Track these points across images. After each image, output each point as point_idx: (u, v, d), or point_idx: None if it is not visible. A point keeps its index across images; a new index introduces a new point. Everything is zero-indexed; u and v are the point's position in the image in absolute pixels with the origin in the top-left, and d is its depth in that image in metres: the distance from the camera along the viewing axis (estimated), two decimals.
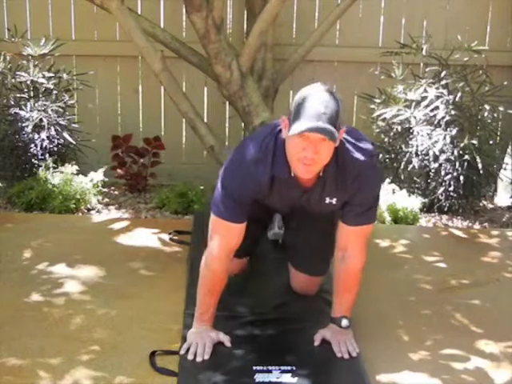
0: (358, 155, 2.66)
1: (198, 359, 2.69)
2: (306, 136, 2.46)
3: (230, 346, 2.76)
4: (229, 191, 2.69)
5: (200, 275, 2.81)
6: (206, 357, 2.70)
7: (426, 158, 4.48)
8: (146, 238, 3.94)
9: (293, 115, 2.50)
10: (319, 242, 3.14)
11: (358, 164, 2.66)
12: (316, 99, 2.48)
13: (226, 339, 2.79)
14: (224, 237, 2.74)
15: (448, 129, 4.47)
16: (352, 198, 2.71)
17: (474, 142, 4.42)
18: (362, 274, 2.83)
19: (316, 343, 2.82)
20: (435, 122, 4.49)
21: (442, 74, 4.56)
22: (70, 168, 4.47)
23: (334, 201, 2.74)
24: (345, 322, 2.79)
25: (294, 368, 2.62)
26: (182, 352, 2.74)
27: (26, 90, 4.63)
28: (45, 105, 4.57)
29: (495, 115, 4.63)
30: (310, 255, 3.16)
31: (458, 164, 4.43)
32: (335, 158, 2.62)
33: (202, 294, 2.81)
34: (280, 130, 2.66)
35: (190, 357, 2.70)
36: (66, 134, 4.58)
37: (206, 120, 4.58)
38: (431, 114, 4.49)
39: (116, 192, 4.79)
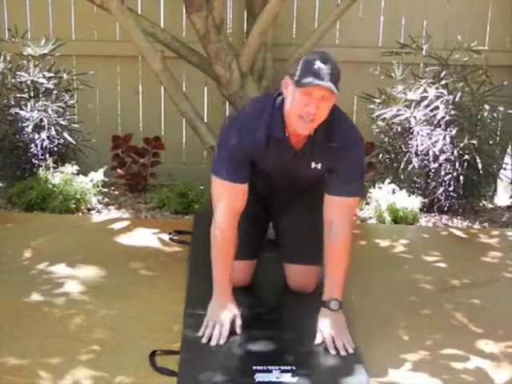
0: (349, 128, 2.88)
1: (213, 343, 2.74)
2: (309, 92, 2.62)
3: (239, 332, 2.81)
4: (227, 151, 2.82)
5: (211, 245, 2.87)
6: (222, 341, 2.75)
7: (426, 157, 4.48)
8: (146, 237, 3.95)
9: (298, 72, 2.66)
10: (307, 230, 3.14)
11: (347, 134, 2.85)
12: (321, 59, 2.64)
13: (238, 325, 2.83)
14: (227, 198, 2.83)
15: (448, 129, 4.47)
16: (337, 165, 2.82)
17: (474, 141, 4.42)
18: (349, 252, 2.88)
19: (317, 341, 2.81)
20: (435, 122, 4.49)
21: (442, 74, 4.56)
22: (70, 168, 4.47)
23: (319, 166, 2.86)
24: (333, 304, 2.82)
25: (294, 368, 2.62)
26: (200, 333, 2.80)
27: (26, 90, 4.63)
28: (45, 105, 4.58)
29: (495, 115, 4.63)
30: (299, 244, 3.17)
31: (457, 164, 4.43)
32: (327, 123, 2.76)
33: (215, 264, 2.87)
34: (277, 95, 2.82)
35: (204, 340, 2.75)
36: (66, 134, 4.59)
37: (206, 120, 4.58)
38: (431, 114, 4.49)
39: (116, 192, 4.79)
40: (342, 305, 2.84)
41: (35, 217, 4.26)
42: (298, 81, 2.65)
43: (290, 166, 2.91)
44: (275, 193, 3.17)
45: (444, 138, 4.44)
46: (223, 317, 2.83)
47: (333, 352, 2.74)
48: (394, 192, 4.43)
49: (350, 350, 2.74)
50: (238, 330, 2.83)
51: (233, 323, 2.84)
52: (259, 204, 3.17)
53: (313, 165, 2.87)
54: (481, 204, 4.78)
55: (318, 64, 2.62)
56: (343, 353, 2.73)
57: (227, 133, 2.88)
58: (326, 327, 2.81)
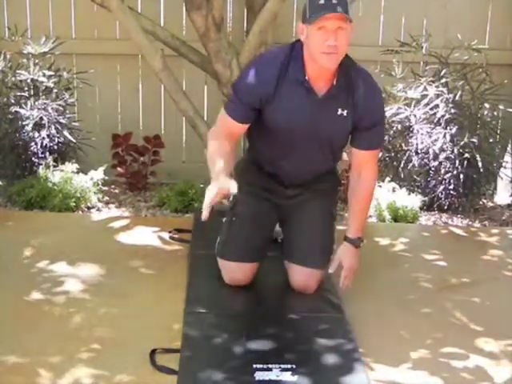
0: (367, 74, 3.01)
1: (203, 218, 2.66)
2: (324, 27, 2.72)
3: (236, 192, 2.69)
4: (237, 90, 2.98)
5: (208, 157, 2.92)
6: (205, 212, 2.64)
7: (426, 156, 4.48)
8: (146, 236, 3.95)
9: (308, 12, 2.77)
10: (315, 233, 3.18)
11: (368, 82, 2.98)
12: None
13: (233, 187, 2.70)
14: (224, 124, 3.00)
15: (448, 127, 4.47)
16: (362, 117, 2.95)
17: (474, 140, 4.43)
18: (373, 195, 3.18)
19: (331, 270, 3.09)
20: (435, 121, 4.49)
21: (442, 73, 4.56)
22: (70, 166, 4.46)
23: (345, 113, 2.94)
24: (358, 241, 3.10)
25: (294, 366, 2.62)
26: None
27: (26, 89, 4.63)
28: (45, 103, 4.57)
29: (495, 113, 4.64)
30: (305, 245, 3.18)
31: (457, 162, 4.43)
32: (346, 68, 2.90)
33: (211, 163, 2.85)
34: (296, 41, 2.93)
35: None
36: (66, 133, 4.59)
37: (206, 118, 4.58)
38: (431, 113, 4.49)
39: (116, 190, 4.79)
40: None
41: (35, 215, 4.26)
42: (310, 18, 2.75)
43: (312, 117, 2.93)
44: (285, 168, 3.12)
45: (444, 136, 4.44)
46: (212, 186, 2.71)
47: (342, 278, 3.08)
48: (394, 190, 4.43)
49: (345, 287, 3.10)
50: (234, 191, 2.68)
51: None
52: (266, 192, 3.17)
53: (339, 111, 2.94)
54: (481, 202, 4.77)
55: None
56: (346, 284, 3.09)
57: (240, 77, 3.07)
58: (347, 259, 3.09)
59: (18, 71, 4.60)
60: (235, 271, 3.18)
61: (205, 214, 2.65)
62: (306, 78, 2.88)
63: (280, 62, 2.90)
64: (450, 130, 4.45)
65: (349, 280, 3.11)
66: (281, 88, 2.90)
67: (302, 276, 3.18)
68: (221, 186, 2.68)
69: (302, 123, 2.95)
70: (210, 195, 2.66)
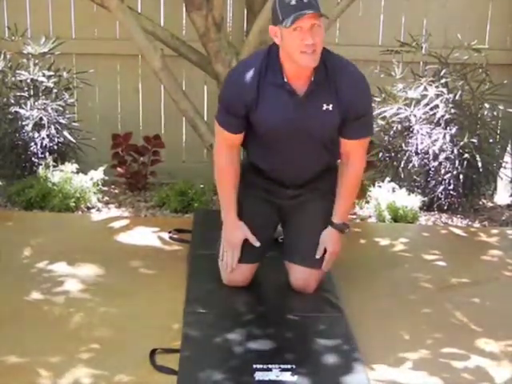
0: (347, 64, 3.01)
1: (228, 270, 3.15)
2: (299, 27, 2.75)
3: (259, 244, 3.13)
4: (222, 101, 3.03)
5: (216, 178, 3.20)
6: (234, 265, 3.14)
7: (426, 156, 4.48)
8: (145, 236, 3.94)
9: (279, 15, 2.81)
10: (315, 234, 3.17)
11: (348, 71, 2.99)
12: None
13: (253, 240, 3.12)
14: (222, 138, 3.10)
15: (448, 127, 4.47)
16: (348, 109, 2.94)
17: (474, 140, 4.42)
18: (360, 182, 3.23)
19: (318, 256, 3.13)
20: (435, 121, 4.48)
21: (442, 73, 4.56)
22: (69, 166, 4.46)
23: (330, 107, 2.94)
24: (342, 227, 3.17)
25: (294, 366, 2.62)
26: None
27: (26, 89, 4.63)
28: (45, 103, 4.57)
29: (495, 114, 4.63)
30: (305, 246, 3.17)
31: (457, 162, 4.43)
32: (323, 62, 2.90)
33: (218, 188, 3.22)
34: (271, 46, 2.96)
35: (228, 270, 3.16)
36: (66, 133, 4.59)
37: (205, 118, 4.58)
38: (431, 113, 4.49)
39: (116, 190, 4.78)
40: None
41: (35, 215, 4.25)
42: (283, 21, 2.77)
43: (299, 117, 2.95)
44: (284, 170, 3.16)
45: (444, 136, 4.43)
46: (235, 238, 3.13)
47: (325, 262, 3.14)
48: (393, 191, 4.43)
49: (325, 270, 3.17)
50: (256, 244, 3.12)
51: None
52: (266, 193, 3.20)
53: (324, 106, 2.95)
54: (480, 202, 4.77)
55: None
56: (327, 265, 3.15)
57: (224, 83, 3.13)
58: (331, 244, 3.14)
59: (17, 71, 4.60)
60: (234, 272, 3.18)
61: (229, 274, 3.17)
62: (285, 79, 2.91)
63: (257, 68, 2.93)
64: (450, 130, 4.45)
65: (330, 264, 3.18)
66: (262, 92, 2.93)
67: (301, 276, 3.17)
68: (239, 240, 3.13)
69: (289, 124, 2.97)
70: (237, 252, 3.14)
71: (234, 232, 3.14)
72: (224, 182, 3.15)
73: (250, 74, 2.93)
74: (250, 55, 3.21)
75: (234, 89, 2.99)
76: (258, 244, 3.11)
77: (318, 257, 3.13)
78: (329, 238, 3.15)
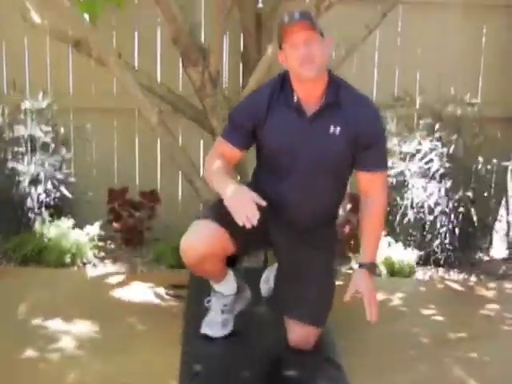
0: (359, 92, 3.03)
1: (254, 222, 2.73)
2: (295, 43, 2.86)
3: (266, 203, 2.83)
4: (230, 117, 3.12)
5: (208, 175, 3.09)
6: (255, 219, 2.74)
7: (422, 210, 4.50)
8: (141, 292, 3.93)
9: (278, 35, 2.92)
10: (317, 288, 3.11)
11: (359, 98, 3.01)
12: (287, 13, 2.90)
13: (260, 200, 2.83)
14: (220, 150, 3.10)
15: (443, 181, 4.50)
16: (357, 135, 2.94)
17: (469, 194, 4.45)
18: (384, 219, 3.15)
19: (347, 298, 2.99)
20: (430, 175, 4.52)
21: (436, 127, 4.61)
22: (66, 222, 4.46)
23: (337, 130, 2.95)
24: (372, 267, 3.08)
25: None
26: (239, 221, 2.76)
27: (23, 144, 4.65)
28: (42, 158, 4.59)
29: (489, 167, 4.67)
30: (306, 301, 3.10)
31: (453, 216, 4.45)
32: (336, 86, 2.96)
33: (211, 178, 3.05)
34: (284, 73, 3.02)
35: (240, 223, 2.75)
36: (62, 188, 4.60)
37: (202, 173, 4.59)
38: (426, 167, 4.52)
39: (112, 246, 4.78)
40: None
41: (30, 271, 4.24)
42: (281, 38, 2.91)
43: (304, 136, 2.96)
44: (288, 200, 3.03)
45: (439, 190, 4.46)
46: (244, 197, 2.82)
47: (368, 318, 2.95)
48: (389, 245, 4.43)
49: (374, 319, 2.97)
50: (263, 203, 2.82)
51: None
52: (265, 226, 2.99)
53: (331, 129, 2.95)
54: (477, 256, 4.77)
55: (287, 17, 2.88)
56: (375, 319, 2.96)
57: (239, 102, 3.25)
58: (364, 284, 3.00)
59: (15, 126, 4.63)
60: (198, 231, 3.02)
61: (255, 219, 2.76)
62: (295, 99, 2.97)
63: (271, 89, 3.02)
64: (445, 183, 4.48)
65: (374, 306, 3.00)
66: (272, 111, 2.98)
67: (301, 333, 3.10)
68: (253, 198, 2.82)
69: (293, 144, 2.98)
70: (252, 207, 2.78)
71: (242, 190, 2.86)
72: (215, 170, 3.02)
73: (262, 95, 3.03)
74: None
75: (246, 105, 3.11)
76: (264, 203, 2.81)
77: (347, 299, 3.00)
78: (360, 279, 3.02)
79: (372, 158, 3.00)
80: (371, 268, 3.07)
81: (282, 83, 3.02)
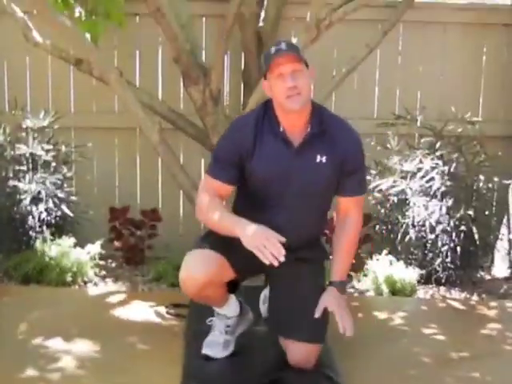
0: (342, 120, 3.11)
1: (281, 259, 2.74)
2: (281, 74, 2.87)
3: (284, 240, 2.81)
4: (216, 152, 3.08)
5: (204, 215, 3.01)
6: (282, 256, 2.74)
7: (423, 229, 4.48)
8: (142, 311, 3.92)
9: (264, 66, 2.95)
10: (312, 306, 3.07)
11: (344, 126, 3.08)
12: (274, 44, 2.95)
13: (279, 237, 2.82)
14: (209, 187, 3.04)
15: (444, 199, 4.49)
16: (343, 163, 2.99)
17: (470, 212, 4.45)
18: (358, 236, 3.20)
19: (317, 315, 3.00)
20: (431, 193, 4.51)
21: (437, 145, 4.61)
22: (67, 240, 4.46)
23: (324, 159, 2.98)
24: (342, 285, 3.11)
25: None
26: (266, 260, 2.75)
27: (24, 163, 4.65)
28: (43, 177, 4.59)
29: (490, 185, 4.67)
30: (304, 320, 3.08)
31: (454, 235, 4.44)
32: (319, 116, 3.00)
33: (213, 221, 2.96)
34: (267, 101, 3.04)
35: (266, 262, 2.74)
36: (64, 207, 4.59)
37: None
38: (427, 185, 4.51)
39: (113, 264, 4.77)
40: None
41: (31, 290, 4.23)
42: (267, 70, 2.93)
43: (292, 167, 2.96)
44: (275, 228, 2.91)
45: (440, 208, 4.45)
46: (264, 232, 2.82)
47: (341, 331, 2.95)
48: (391, 263, 4.42)
49: (349, 334, 2.96)
50: (282, 239, 2.80)
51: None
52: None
53: (318, 158, 2.98)
54: (478, 275, 4.76)
55: (274, 48, 2.91)
56: (349, 333, 2.96)
57: (220, 138, 3.18)
58: (333, 301, 3.02)
59: (17, 145, 4.63)
60: (196, 260, 3.04)
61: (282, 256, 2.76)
62: (281, 129, 2.97)
63: (254, 120, 3.01)
64: (446, 202, 4.47)
65: (347, 320, 2.99)
66: (260, 140, 2.98)
67: (302, 352, 3.08)
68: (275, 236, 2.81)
69: (281, 174, 2.98)
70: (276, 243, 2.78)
71: (260, 229, 2.84)
72: (214, 209, 2.97)
73: (247, 126, 3.00)
74: (246, 113, 3.28)
75: (228, 141, 3.06)
76: (283, 239, 2.81)
77: (317, 316, 3.01)
78: (329, 297, 3.06)
79: (354, 184, 3.09)
80: (341, 286, 3.11)
81: (266, 110, 3.03)
